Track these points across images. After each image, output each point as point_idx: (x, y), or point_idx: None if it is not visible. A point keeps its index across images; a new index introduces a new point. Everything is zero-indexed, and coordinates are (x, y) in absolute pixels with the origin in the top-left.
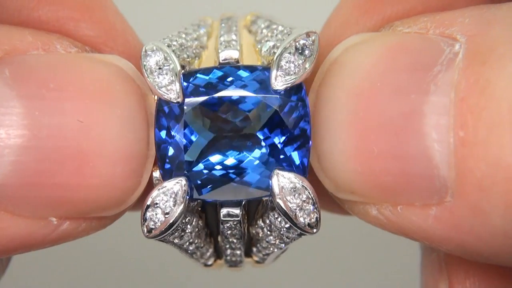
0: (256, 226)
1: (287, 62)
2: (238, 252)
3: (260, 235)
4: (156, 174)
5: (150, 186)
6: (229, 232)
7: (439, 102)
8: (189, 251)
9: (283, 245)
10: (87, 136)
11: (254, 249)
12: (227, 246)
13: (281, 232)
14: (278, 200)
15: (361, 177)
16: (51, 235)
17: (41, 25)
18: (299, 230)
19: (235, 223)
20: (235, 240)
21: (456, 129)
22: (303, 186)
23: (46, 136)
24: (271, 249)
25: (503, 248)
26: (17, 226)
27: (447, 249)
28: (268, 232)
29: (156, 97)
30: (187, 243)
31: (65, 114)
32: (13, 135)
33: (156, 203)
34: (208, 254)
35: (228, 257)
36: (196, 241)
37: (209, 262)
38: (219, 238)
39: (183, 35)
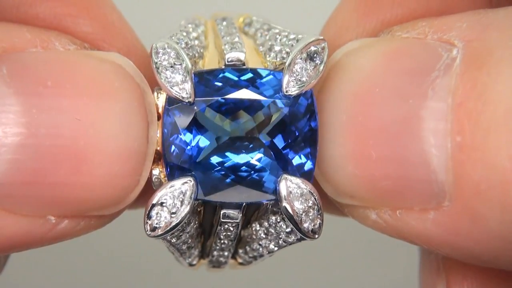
0: (251, 228)
1: (299, 68)
2: (226, 253)
3: (253, 237)
4: (156, 172)
5: (149, 184)
6: (224, 233)
7: (436, 107)
8: (181, 251)
9: (276, 248)
10: (85, 134)
11: (241, 251)
12: (218, 247)
13: (280, 236)
14: (285, 205)
15: (360, 182)
16: (49, 233)
17: (39, 22)
18: (300, 235)
19: (233, 225)
20: (227, 242)
21: (454, 134)
22: (310, 191)
23: (43, 134)
24: (261, 251)
25: (500, 251)
26: (15, 224)
27: (446, 252)
28: (263, 235)
29: (157, 95)
30: (182, 243)
31: (63, 112)
32: (10, 133)
33: (163, 202)
34: (196, 253)
35: (214, 258)
36: (189, 241)
37: (194, 262)
38: (211, 238)
39: (184, 34)
